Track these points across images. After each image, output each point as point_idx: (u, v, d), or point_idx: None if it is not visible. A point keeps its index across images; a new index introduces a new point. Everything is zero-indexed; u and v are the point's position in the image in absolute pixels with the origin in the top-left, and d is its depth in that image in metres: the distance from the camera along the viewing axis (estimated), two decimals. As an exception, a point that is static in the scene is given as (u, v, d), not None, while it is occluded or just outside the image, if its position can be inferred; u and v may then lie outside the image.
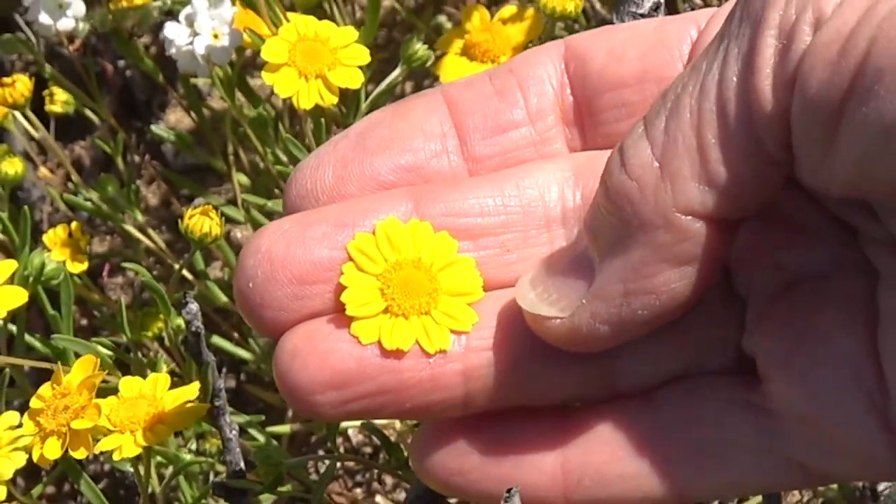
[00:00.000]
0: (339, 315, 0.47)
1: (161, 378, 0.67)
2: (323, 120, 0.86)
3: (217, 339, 0.93)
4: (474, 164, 0.51)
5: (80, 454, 0.65)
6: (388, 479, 1.05)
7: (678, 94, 0.44)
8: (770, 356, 0.47)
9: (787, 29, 0.41)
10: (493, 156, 0.51)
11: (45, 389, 0.66)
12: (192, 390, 0.65)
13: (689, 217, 0.43)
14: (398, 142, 0.50)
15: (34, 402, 0.66)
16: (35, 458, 0.66)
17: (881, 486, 0.88)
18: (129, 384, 0.66)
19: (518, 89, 0.51)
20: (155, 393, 0.66)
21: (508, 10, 0.88)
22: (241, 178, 0.99)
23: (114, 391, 0.67)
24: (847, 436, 0.45)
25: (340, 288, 0.47)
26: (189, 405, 0.66)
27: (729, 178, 0.43)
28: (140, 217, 0.99)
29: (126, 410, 0.65)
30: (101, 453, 0.70)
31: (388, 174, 0.49)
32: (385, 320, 0.47)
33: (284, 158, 0.90)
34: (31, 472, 0.85)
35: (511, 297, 0.48)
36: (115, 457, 0.65)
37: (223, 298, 0.96)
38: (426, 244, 0.49)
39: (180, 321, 0.85)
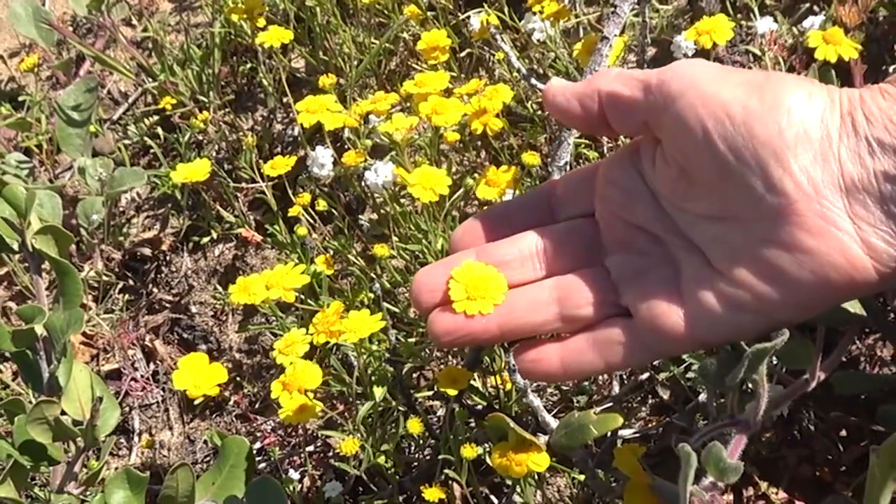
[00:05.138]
0: (448, 305, 0.62)
1: (366, 311, 0.88)
2: (431, 208, 1.12)
3: (386, 305, 1.06)
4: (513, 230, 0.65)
5: (333, 340, 0.87)
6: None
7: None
8: (632, 305, 0.61)
9: (653, 73, 0.57)
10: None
11: (319, 315, 0.89)
12: (379, 316, 0.87)
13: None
14: (489, 220, 0.65)
15: (315, 319, 0.88)
16: (314, 342, 0.87)
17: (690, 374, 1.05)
18: (355, 314, 0.87)
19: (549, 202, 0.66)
20: (365, 316, 0.87)
21: (503, 168, 1.05)
22: (395, 239, 1.16)
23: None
24: (671, 333, 0.58)
25: (448, 289, 0.62)
26: (379, 321, 0.87)
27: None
28: (354, 253, 1.25)
29: (353, 323, 0.86)
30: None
31: (483, 233, 0.65)
32: (467, 302, 0.62)
33: (413, 229, 1.17)
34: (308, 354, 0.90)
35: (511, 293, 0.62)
36: (348, 342, 0.85)
37: (387, 286, 1.20)
38: (486, 272, 0.63)
39: (370, 295, 1.16)
